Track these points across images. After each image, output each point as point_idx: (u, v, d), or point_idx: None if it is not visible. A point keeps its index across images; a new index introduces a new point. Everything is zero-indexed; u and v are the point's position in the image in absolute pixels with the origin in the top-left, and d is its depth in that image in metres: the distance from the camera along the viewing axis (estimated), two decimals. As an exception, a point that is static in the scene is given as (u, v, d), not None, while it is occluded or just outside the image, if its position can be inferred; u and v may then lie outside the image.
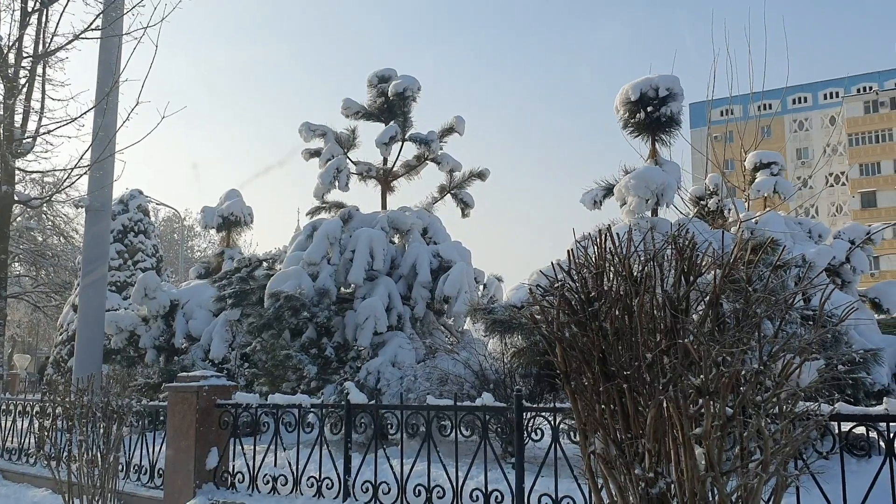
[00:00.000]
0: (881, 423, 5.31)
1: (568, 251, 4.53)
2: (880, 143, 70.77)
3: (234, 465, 8.55)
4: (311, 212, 15.58)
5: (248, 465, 8.31)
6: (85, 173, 13.44)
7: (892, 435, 5.23)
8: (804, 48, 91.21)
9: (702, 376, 3.76)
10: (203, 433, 8.42)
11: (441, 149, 15.49)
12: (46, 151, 17.29)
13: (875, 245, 11.43)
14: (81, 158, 12.62)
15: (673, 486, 3.94)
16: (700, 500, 3.84)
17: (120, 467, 9.05)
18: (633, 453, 4.02)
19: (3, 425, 11.87)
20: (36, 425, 10.93)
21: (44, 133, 14.02)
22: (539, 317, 4.57)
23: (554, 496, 6.40)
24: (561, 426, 6.61)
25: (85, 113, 13.13)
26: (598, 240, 4.38)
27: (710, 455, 3.74)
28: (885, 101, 70.78)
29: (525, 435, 6.76)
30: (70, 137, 20.85)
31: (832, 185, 71.96)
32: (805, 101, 76.36)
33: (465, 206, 15.76)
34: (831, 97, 75.55)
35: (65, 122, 13.08)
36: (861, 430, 5.64)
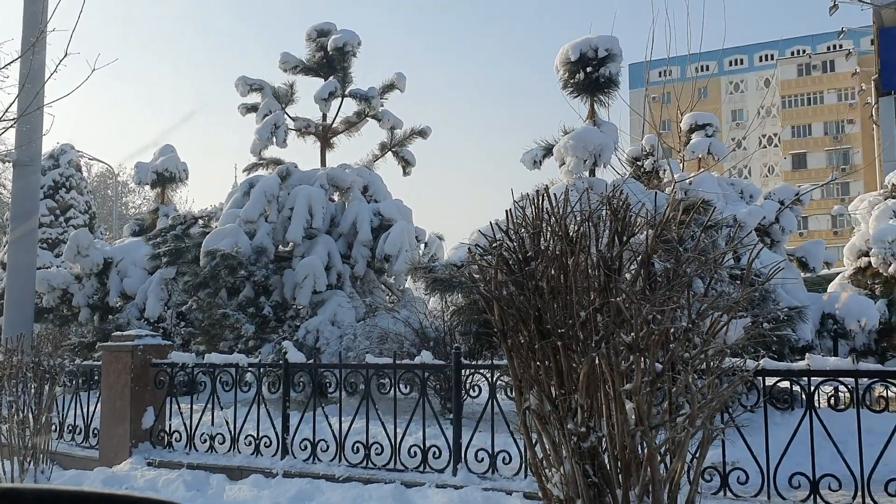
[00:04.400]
0: (803, 378, 5.55)
1: (506, 211, 4.56)
2: (811, 106, 72.46)
3: (170, 425, 8.49)
4: (249, 168, 15.33)
5: (185, 424, 8.25)
6: (11, 126, 12.90)
7: (812, 389, 5.47)
8: (741, 10, 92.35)
9: (633, 334, 3.85)
10: (138, 393, 8.32)
11: (382, 105, 15.32)
12: (-31, 103, 16.54)
13: (804, 205, 11.78)
14: (7, 111, 12.07)
15: (604, 439, 4.06)
16: (630, 453, 3.96)
17: (53, 427, 8.89)
18: (567, 409, 4.11)
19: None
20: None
21: (-35, 84, 13.40)
22: (478, 276, 4.61)
23: (490, 451, 6.53)
24: (498, 383, 6.73)
25: (10, 63, 12.55)
26: (535, 200, 4.42)
27: (640, 410, 3.85)
28: (818, 65, 72.31)
29: (463, 391, 6.86)
30: (-6, 89, 19.98)
31: (765, 147, 73.52)
32: (741, 62, 77.48)
33: (406, 163, 15.66)
34: (766, 59, 76.83)
35: (-13, 73, 12.47)
36: (785, 384, 5.90)
